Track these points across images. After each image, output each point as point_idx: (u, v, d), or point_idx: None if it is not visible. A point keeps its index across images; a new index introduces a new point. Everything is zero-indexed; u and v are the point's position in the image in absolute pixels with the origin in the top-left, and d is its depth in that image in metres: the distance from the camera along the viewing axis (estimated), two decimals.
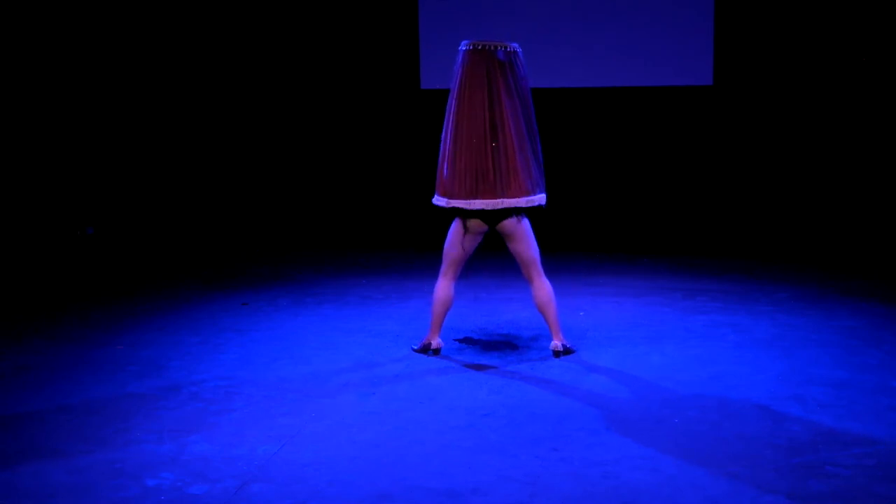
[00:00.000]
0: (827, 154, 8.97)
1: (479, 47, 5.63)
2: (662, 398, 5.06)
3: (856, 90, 8.82)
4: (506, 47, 5.67)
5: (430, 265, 8.69)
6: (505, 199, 5.65)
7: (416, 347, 6.00)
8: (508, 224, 5.77)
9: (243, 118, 10.17)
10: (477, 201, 5.65)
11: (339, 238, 9.81)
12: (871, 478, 4.05)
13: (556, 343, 5.87)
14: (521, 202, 5.70)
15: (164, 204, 10.43)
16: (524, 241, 5.85)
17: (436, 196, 5.85)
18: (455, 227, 5.85)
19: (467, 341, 6.23)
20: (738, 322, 6.57)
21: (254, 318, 6.89)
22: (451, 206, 5.73)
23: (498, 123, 5.64)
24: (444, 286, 5.90)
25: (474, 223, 5.79)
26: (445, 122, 5.82)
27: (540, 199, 5.80)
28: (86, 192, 10.36)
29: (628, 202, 9.45)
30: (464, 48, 5.69)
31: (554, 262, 8.72)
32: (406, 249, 9.38)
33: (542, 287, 5.92)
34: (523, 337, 6.30)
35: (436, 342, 5.93)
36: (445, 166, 5.76)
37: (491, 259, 8.96)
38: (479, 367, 5.66)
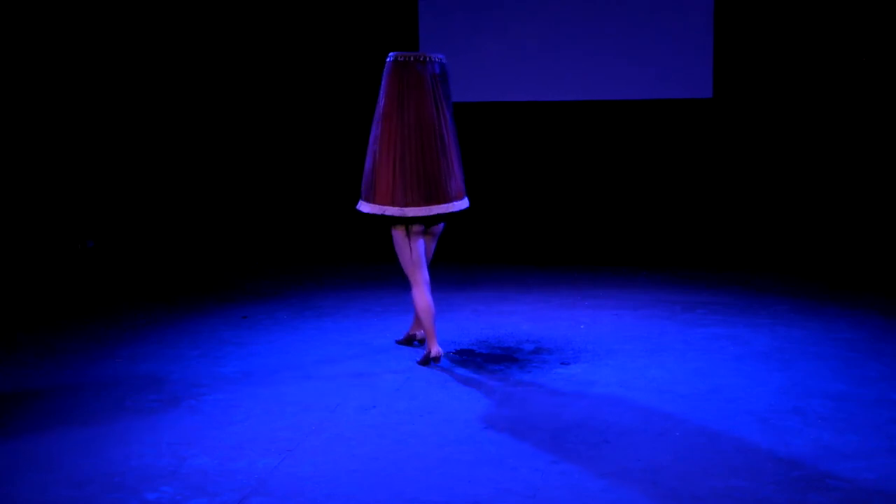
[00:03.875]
0: (825, 166, 8.98)
1: (421, 59, 5.89)
2: (663, 411, 5.06)
3: (855, 102, 8.84)
4: (440, 59, 5.99)
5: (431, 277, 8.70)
6: (454, 204, 5.99)
7: (419, 360, 6.02)
8: (440, 226, 6.16)
9: (241, 130, 10.19)
10: (432, 207, 5.89)
11: (338, 250, 9.81)
12: (871, 491, 4.04)
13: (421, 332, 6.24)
14: (465, 205, 6.07)
15: (165, 217, 10.44)
16: (437, 239, 6.26)
17: (370, 205, 5.93)
18: (400, 237, 6.00)
19: (467, 354, 6.23)
20: (738, 334, 6.57)
21: (253, 331, 6.89)
22: (403, 214, 5.86)
23: (444, 131, 5.94)
24: (422, 295, 6.02)
25: (417, 227, 5.99)
26: (381, 131, 5.91)
27: (467, 202, 6.15)
28: (86, 204, 10.37)
29: (628, 215, 9.46)
30: (402, 59, 5.91)
31: (553, 276, 8.75)
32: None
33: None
34: (524, 350, 6.30)
35: (436, 350, 5.98)
36: (391, 175, 5.86)
37: (490, 273, 8.98)
38: (478, 381, 5.66)
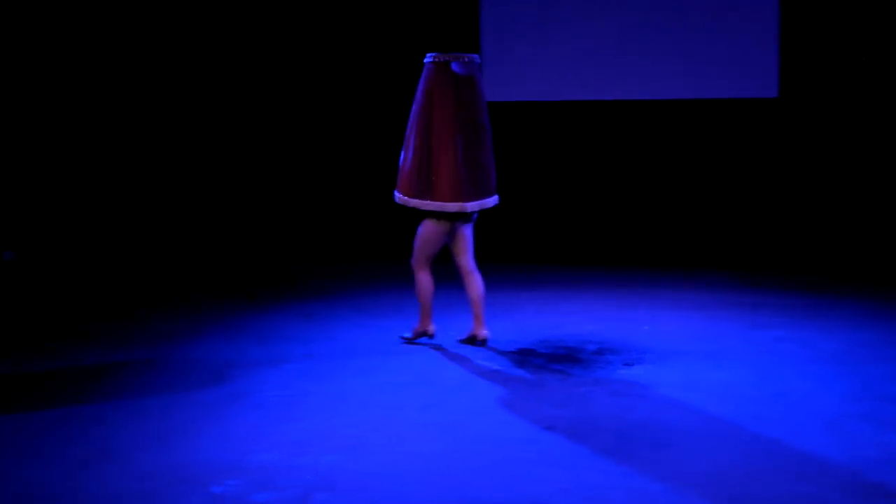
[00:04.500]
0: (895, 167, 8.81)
1: (466, 59, 6.18)
2: (727, 415, 5.00)
3: None
4: (477, 60, 6.30)
5: (489, 274, 8.70)
6: (491, 199, 6.33)
7: (408, 336, 6.41)
8: (471, 222, 6.35)
9: (304, 131, 10.25)
10: (483, 202, 6.24)
11: (399, 249, 9.83)
12: None
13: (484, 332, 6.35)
14: (496, 200, 6.39)
15: (227, 212, 10.54)
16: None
17: (425, 201, 6.13)
18: (438, 228, 6.22)
19: (530, 353, 6.22)
20: (805, 337, 6.47)
21: (317, 329, 6.95)
22: (462, 210, 6.11)
23: (488, 129, 6.30)
24: (429, 278, 6.34)
25: (459, 222, 6.25)
26: (436, 130, 6.09)
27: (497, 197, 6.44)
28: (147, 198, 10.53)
29: (691, 215, 9.36)
30: (451, 60, 6.13)
31: (614, 275, 8.69)
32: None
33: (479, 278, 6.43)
34: (586, 350, 6.27)
35: (432, 328, 6.40)
36: (453, 173, 6.08)
37: (551, 272, 8.95)
38: (540, 380, 5.64)
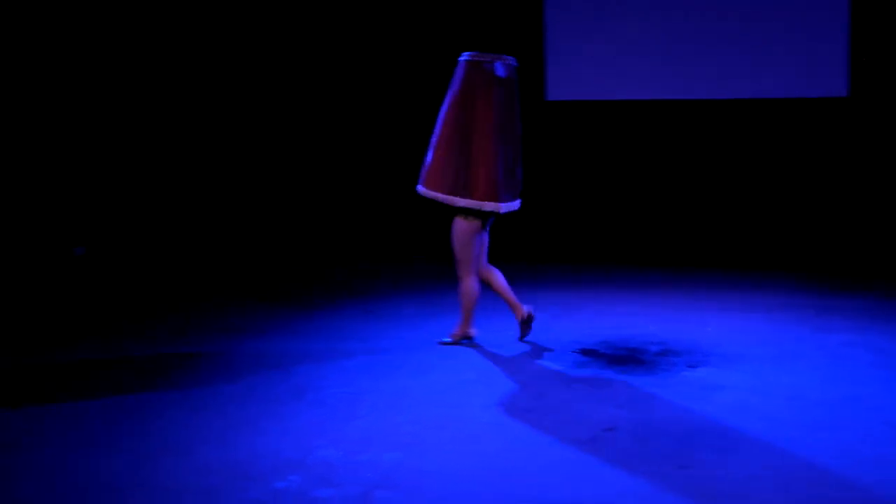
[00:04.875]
0: None
1: (503, 60, 6.18)
2: (793, 418, 4.92)
3: None
4: (514, 62, 6.29)
5: (552, 277, 8.66)
6: (517, 202, 6.39)
7: (448, 340, 6.39)
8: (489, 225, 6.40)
9: (371, 127, 10.29)
10: (507, 205, 6.26)
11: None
12: None
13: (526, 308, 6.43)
14: (519, 204, 6.45)
15: (290, 209, 10.62)
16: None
17: (465, 199, 6.14)
18: (471, 227, 6.24)
19: (592, 354, 6.17)
20: (874, 342, 6.33)
21: (378, 326, 6.97)
22: (497, 210, 6.17)
23: (518, 133, 6.33)
24: (476, 284, 6.34)
25: (488, 221, 6.33)
26: (476, 130, 6.11)
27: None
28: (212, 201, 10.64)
29: (757, 216, 9.23)
30: (486, 59, 6.14)
31: (676, 276, 8.60)
32: (532, 261, 9.36)
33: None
34: (650, 351, 6.21)
35: (473, 331, 6.43)
36: (492, 172, 6.13)
37: (610, 273, 8.88)
38: (603, 381, 5.60)
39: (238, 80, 10.48)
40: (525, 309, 6.41)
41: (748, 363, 5.91)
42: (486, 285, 6.42)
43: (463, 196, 6.13)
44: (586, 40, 9.43)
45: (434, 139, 6.22)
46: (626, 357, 6.10)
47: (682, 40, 9.19)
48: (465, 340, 6.44)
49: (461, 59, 6.22)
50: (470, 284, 6.31)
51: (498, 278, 6.43)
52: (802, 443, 4.58)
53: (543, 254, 9.57)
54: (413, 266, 9.36)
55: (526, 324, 6.43)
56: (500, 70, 6.15)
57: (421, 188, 6.28)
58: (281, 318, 7.24)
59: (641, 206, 9.56)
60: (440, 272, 8.94)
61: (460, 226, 6.24)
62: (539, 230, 9.71)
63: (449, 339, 6.44)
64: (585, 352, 6.22)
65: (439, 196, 6.18)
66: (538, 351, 6.22)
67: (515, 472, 4.29)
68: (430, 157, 6.23)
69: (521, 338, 6.45)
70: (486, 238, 6.37)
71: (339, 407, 5.19)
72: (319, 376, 5.74)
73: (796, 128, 9.04)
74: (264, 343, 6.54)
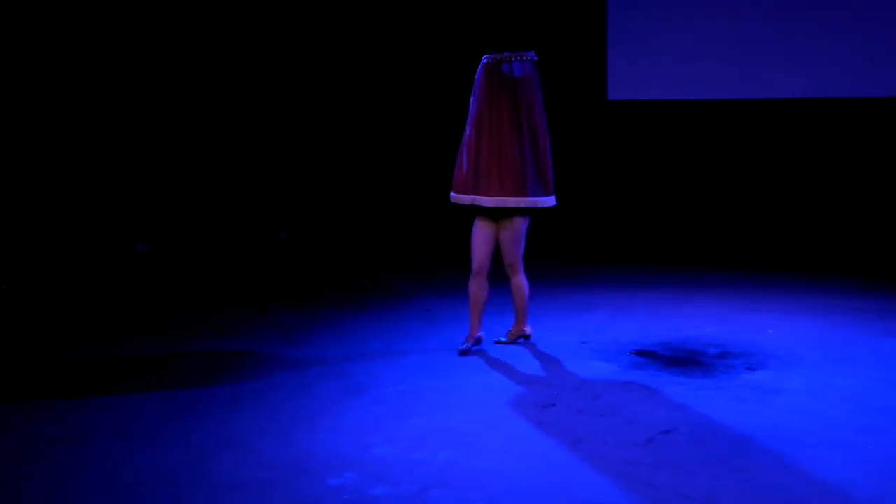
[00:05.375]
0: None
1: (520, 58, 6.07)
2: (853, 422, 4.85)
3: None
4: (531, 57, 6.15)
5: (609, 278, 8.62)
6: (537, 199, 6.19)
7: (504, 340, 6.45)
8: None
9: (424, 127, 10.33)
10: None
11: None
12: None
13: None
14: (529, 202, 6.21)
15: (346, 209, 10.70)
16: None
17: (545, 198, 6.14)
18: (527, 224, 6.24)
19: (649, 356, 6.14)
20: None
21: (436, 325, 6.99)
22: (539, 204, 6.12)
23: (539, 129, 6.16)
24: (526, 280, 6.37)
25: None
26: (488, 130, 6.04)
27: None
28: (281, 198, 10.75)
29: (817, 217, 9.08)
30: (495, 59, 6.06)
31: (733, 278, 8.51)
32: (589, 261, 9.33)
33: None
34: (708, 354, 6.16)
35: (528, 329, 6.48)
36: (546, 168, 6.15)
37: (668, 273, 8.82)
38: (660, 383, 5.56)
39: (315, 84, 10.58)
40: (481, 334, 6.33)
41: (807, 366, 5.84)
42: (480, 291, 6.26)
43: (546, 194, 6.13)
44: (650, 39, 9.36)
45: (494, 147, 6.04)
46: (685, 359, 6.06)
47: (744, 40, 9.07)
48: (522, 339, 6.44)
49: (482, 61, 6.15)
50: (523, 280, 6.31)
51: (524, 287, 6.35)
52: (861, 447, 4.52)
53: (601, 254, 9.53)
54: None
55: (477, 343, 6.32)
56: (507, 69, 6.04)
57: (519, 199, 6.04)
58: (338, 316, 7.29)
59: (702, 207, 9.47)
60: (495, 272, 8.95)
61: (521, 224, 6.19)
62: (598, 230, 9.68)
63: (505, 339, 6.44)
64: (642, 353, 6.19)
65: (530, 201, 6.06)
66: (594, 352, 6.20)
67: (568, 472, 4.29)
68: (497, 165, 6.02)
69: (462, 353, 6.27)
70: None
71: (394, 405, 5.22)
72: (374, 374, 5.78)
73: (862, 127, 8.89)
74: (322, 340, 6.60)
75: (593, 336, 6.58)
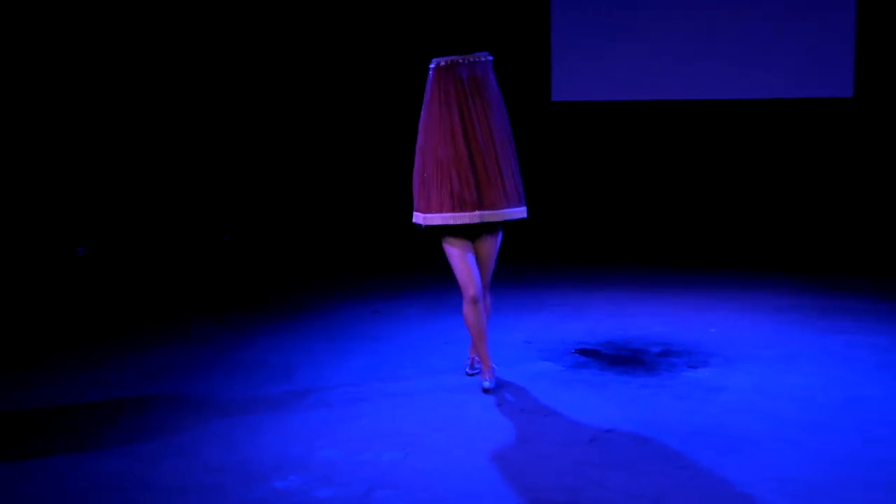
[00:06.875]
0: None
1: (470, 60, 5.47)
2: (798, 420, 4.91)
3: None
4: (484, 58, 5.54)
5: (558, 277, 8.66)
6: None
7: (487, 385, 5.56)
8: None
9: (377, 129, 10.31)
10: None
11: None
12: None
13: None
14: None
15: (291, 212, 10.63)
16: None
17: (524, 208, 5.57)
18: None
19: (592, 355, 6.17)
20: (879, 343, 6.32)
21: (383, 326, 6.97)
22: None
23: (496, 132, 5.62)
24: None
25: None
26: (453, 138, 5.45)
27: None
28: (225, 200, 10.65)
29: (761, 216, 9.21)
30: (444, 62, 5.43)
31: (684, 277, 8.58)
32: (538, 262, 9.35)
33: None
34: (650, 352, 6.20)
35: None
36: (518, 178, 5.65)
37: (621, 274, 8.88)
38: (604, 382, 5.59)
39: (263, 84, 10.50)
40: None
41: (751, 364, 5.90)
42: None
43: (521, 205, 5.57)
44: (592, 41, 9.41)
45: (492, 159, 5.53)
46: (627, 358, 6.09)
47: (687, 41, 9.17)
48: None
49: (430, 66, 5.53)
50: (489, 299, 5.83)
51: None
52: (805, 445, 4.57)
53: (550, 254, 9.56)
54: (421, 267, 9.35)
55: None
56: (460, 72, 5.42)
57: (522, 209, 5.56)
58: (284, 319, 7.24)
59: (648, 207, 9.55)
60: (448, 272, 8.94)
61: (500, 237, 5.65)
62: (545, 231, 9.71)
63: (489, 384, 5.53)
64: (586, 352, 6.22)
65: (522, 211, 5.57)
66: (540, 352, 6.21)
67: (516, 473, 4.29)
68: (497, 174, 5.53)
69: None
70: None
71: (340, 407, 5.19)
72: (320, 377, 5.74)
73: (802, 128, 9.02)
74: (267, 343, 6.54)
75: (539, 336, 6.59)
